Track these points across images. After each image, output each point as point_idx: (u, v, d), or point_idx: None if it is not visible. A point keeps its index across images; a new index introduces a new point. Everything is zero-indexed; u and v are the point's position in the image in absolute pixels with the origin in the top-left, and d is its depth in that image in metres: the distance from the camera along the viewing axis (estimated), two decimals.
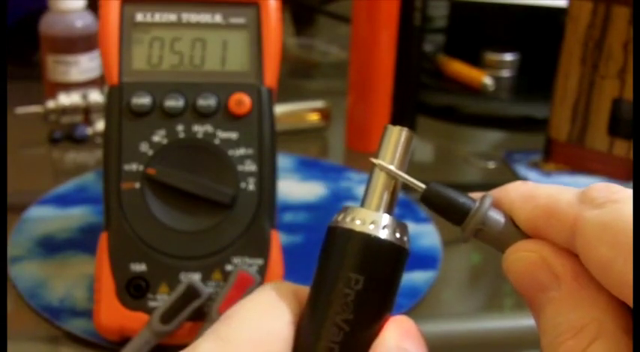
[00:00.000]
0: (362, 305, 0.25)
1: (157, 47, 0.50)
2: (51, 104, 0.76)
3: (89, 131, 0.75)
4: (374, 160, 0.27)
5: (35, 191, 0.65)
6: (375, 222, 0.26)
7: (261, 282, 0.47)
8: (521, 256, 0.25)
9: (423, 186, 0.26)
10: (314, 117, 0.81)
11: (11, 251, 0.57)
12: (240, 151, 0.48)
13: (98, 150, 0.72)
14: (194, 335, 0.47)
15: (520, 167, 0.75)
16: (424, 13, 0.76)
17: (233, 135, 0.49)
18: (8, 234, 0.59)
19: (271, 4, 0.51)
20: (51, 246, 0.58)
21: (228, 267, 0.47)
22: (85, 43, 0.78)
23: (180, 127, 0.48)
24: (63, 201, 0.64)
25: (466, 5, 0.96)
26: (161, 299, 0.47)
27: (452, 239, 0.62)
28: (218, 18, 0.50)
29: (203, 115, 0.48)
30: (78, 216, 0.62)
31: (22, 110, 0.75)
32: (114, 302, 0.47)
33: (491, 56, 0.93)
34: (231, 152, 0.48)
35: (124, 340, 0.47)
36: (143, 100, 0.48)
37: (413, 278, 0.56)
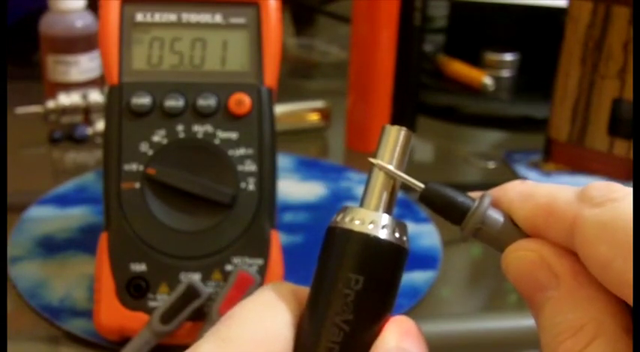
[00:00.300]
0: (362, 306, 0.25)
1: (157, 47, 0.50)
2: (51, 104, 0.76)
3: (89, 131, 0.75)
4: (372, 160, 0.27)
5: (35, 191, 0.65)
6: (375, 222, 0.26)
7: (261, 282, 0.47)
8: (520, 255, 0.25)
9: (422, 185, 0.26)
10: (314, 117, 0.81)
11: (11, 251, 0.57)
12: (240, 151, 0.48)
13: (98, 150, 0.72)
14: (194, 335, 0.47)
15: (520, 167, 0.75)
16: (424, 13, 0.76)
17: (233, 135, 0.49)
18: (8, 234, 0.59)
19: (271, 4, 0.51)
20: (51, 246, 0.58)
21: (228, 267, 0.47)
22: (85, 43, 0.78)
23: (180, 127, 0.48)
24: (63, 201, 0.64)
25: (466, 5, 0.96)
26: (161, 299, 0.47)
27: (452, 239, 0.62)
28: (218, 18, 0.50)
29: (203, 115, 0.48)
30: (78, 216, 0.62)
31: (22, 110, 0.75)
32: (114, 302, 0.47)
33: (491, 56, 0.93)
34: (231, 152, 0.48)
35: (124, 340, 0.47)
36: (143, 100, 0.48)
37: (413, 278, 0.56)
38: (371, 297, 0.25)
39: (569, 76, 0.71)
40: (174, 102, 0.48)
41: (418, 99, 0.81)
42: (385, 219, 0.26)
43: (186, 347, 0.25)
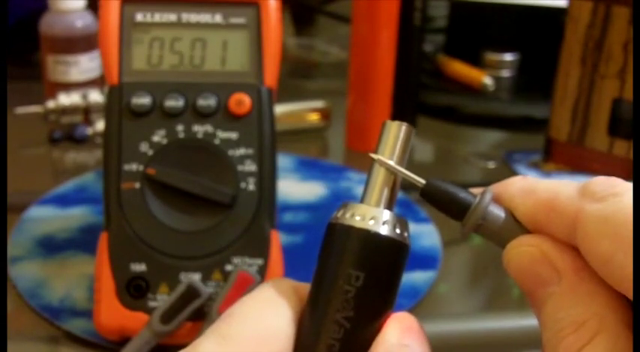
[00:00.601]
0: (363, 302, 0.25)
1: (157, 47, 0.50)
2: (51, 104, 0.76)
3: (89, 131, 0.75)
4: (373, 155, 0.26)
5: (35, 191, 0.65)
6: (375, 218, 0.25)
7: (261, 282, 0.47)
8: (521, 251, 0.25)
9: (423, 181, 0.26)
10: (314, 117, 0.81)
11: (11, 251, 0.57)
12: (240, 151, 0.48)
13: (98, 150, 0.72)
14: (194, 335, 0.47)
15: (520, 167, 0.75)
16: (424, 13, 0.76)
17: (233, 135, 0.49)
18: (8, 234, 0.59)
19: (271, 4, 0.51)
20: (51, 246, 0.58)
21: (228, 267, 0.47)
22: (85, 43, 0.78)
23: (180, 127, 0.48)
24: (63, 201, 0.64)
25: (466, 5, 0.96)
26: (161, 299, 0.47)
27: (452, 239, 0.61)
28: (218, 18, 0.50)
29: (203, 115, 0.48)
30: (78, 216, 0.62)
31: (22, 110, 0.75)
32: (114, 302, 0.47)
33: (491, 56, 0.92)
34: (231, 152, 0.48)
35: (124, 340, 0.47)
36: (143, 100, 0.48)
37: (413, 278, 0.56)
38: (372, 294, 0.25)
39: (569, 76, 0.71)
40: (174, 102, 0.48)
41: (418, 99, 0.81)
42: (386, 214, 0.26)
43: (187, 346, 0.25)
